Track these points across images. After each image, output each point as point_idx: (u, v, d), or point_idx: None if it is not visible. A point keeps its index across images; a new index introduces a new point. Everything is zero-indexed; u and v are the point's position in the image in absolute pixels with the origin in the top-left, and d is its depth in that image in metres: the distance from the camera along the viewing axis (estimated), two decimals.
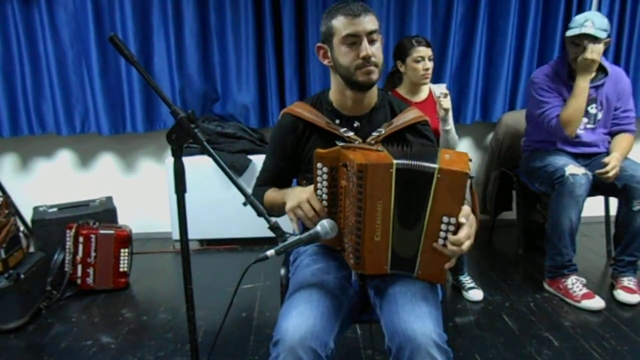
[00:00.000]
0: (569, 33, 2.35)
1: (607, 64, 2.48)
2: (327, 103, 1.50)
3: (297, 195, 1.31)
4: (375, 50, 1.37)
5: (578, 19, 2.35)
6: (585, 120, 2.48)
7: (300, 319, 1.17)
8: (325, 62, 1.45)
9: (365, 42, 1.35)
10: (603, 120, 2.50)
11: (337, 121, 1.47)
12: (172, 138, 1.18)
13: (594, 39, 2.29)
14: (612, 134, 2.53)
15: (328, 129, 1.44)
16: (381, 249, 1.27)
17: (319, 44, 1.44)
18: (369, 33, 1.35)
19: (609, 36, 2.34)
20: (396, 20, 3.16)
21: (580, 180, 2.27)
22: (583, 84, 2.35)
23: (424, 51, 2.32)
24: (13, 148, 3.36)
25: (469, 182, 1.22)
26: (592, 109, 2.47)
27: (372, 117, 1.49)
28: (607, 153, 2.45)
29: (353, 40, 1.35)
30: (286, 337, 1.14)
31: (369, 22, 1.35)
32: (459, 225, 1.21)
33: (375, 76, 1.39)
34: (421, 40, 2.34)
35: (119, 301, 2.55)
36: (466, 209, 1.21)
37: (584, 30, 2.29)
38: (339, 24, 1.36)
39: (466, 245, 1.20)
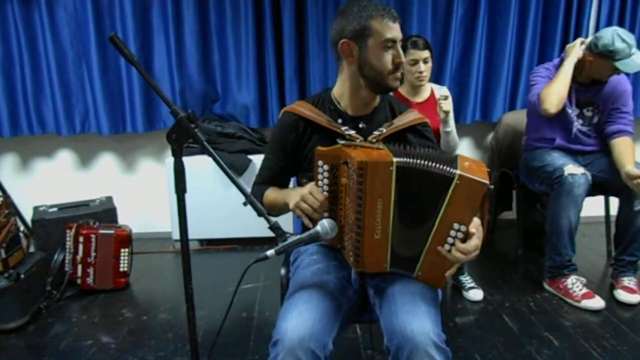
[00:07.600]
0: (620, 65, 2.25)
1: None
2: (330, 102, 1.50)
3: (299, 192, 1.31)
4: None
5: (621, 47, 2.23)
6: (580, 122, 2.49)
7: (300, 320, 1.17)
8: (349, 59, 1.40)
9: (400, 49, 1.37)
10: (598, 123, 2.49)
11: (340, 120, 1.46)
12: (172, 138, 1.18)
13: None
14: (610, 134, 2.43)
15: (329, 127, 1.44)
16: (381, 247, 1.26)
17: (344, 40, 1.36)
18: (399, 40, 1.38)
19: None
20: None
21: (579, 180, 2.27)
22: (568, 68, 2.36)
23: (418, 54, 2.31)
24: (13, 148, 3.36)
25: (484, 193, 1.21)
26: (588, 112, 2.48)
27: (373, 117, 1.49)
28: (604, 151, 2.47)
29: (392, 45, 1.36)
30: (285, 337, 1.14)
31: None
32: (467, 234, 1.20)
33: (400, 83, 1.44)
34: (417, 43, 2.33)
35: (119, 301, 2.55)
36: (476, 221, 1.21)
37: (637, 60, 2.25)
38: (381, 27, 1.34)
39: (472, 255, 1.20)
